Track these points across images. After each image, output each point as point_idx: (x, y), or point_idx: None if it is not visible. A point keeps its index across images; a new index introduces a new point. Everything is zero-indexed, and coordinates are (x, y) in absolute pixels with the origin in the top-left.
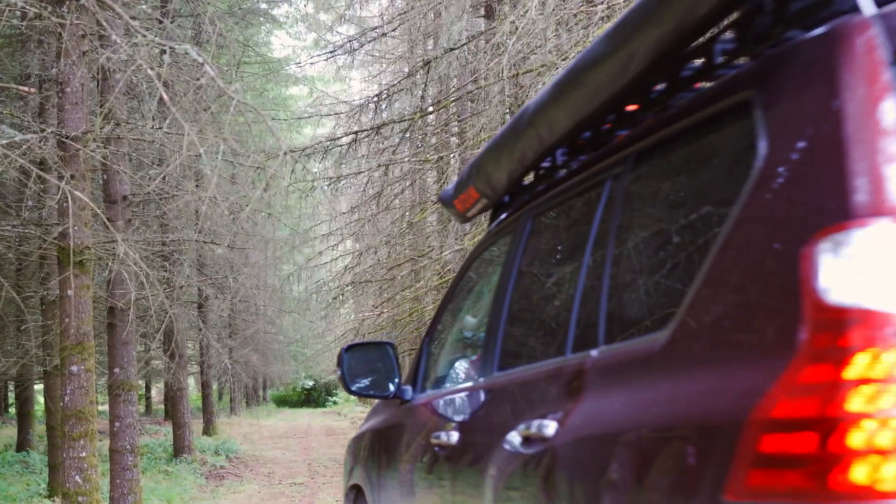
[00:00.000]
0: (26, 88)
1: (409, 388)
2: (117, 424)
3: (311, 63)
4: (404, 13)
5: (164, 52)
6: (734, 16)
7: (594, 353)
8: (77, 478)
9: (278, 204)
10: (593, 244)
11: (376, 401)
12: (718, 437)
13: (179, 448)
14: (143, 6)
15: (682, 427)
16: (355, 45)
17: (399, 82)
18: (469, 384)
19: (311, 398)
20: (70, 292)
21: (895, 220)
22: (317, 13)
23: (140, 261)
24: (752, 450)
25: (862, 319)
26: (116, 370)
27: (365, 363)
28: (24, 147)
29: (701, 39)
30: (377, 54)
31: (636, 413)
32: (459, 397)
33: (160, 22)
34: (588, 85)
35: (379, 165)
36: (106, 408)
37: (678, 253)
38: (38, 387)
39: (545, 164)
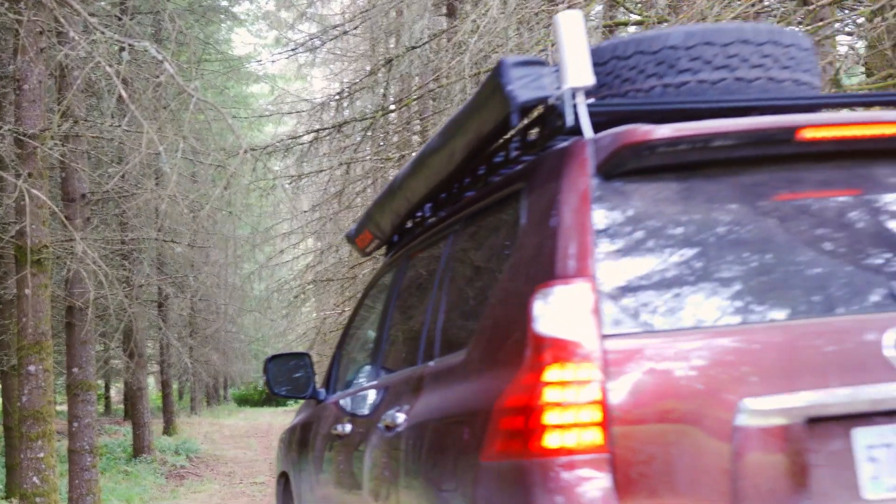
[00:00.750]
0: None
1: (323, 391)
2: (76, 424)
3: (273, 61)
4: (366, 11)
5: (122, 49)
6: (516, 129)
7: (431, 363)
8: (35, 479)
9: (239, 202)
10: (438, 282)
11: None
12: (480, 420)
13: (139, 448)
14: (102, 3)
15: (464, 414)
16: (317, 42)
17: (361, 80)
18: (361, 386)
19: (272, 397)
20: (27, 291)
21: (583, 281)
22: (278, 11)
23: (99, 260)
24: (495, 427)
25: (553, 344)
26: (75, 370)
27: (286, 370)
28: None
29: (501, 140)
30: (339, 52)
31: (444, 406)
32: (354, 397)
33: (119, 19)
34: (431, 167)
35: (340, 164)
36: (64, 408)
37: (481, 294)
38: None
39: (419, 215)
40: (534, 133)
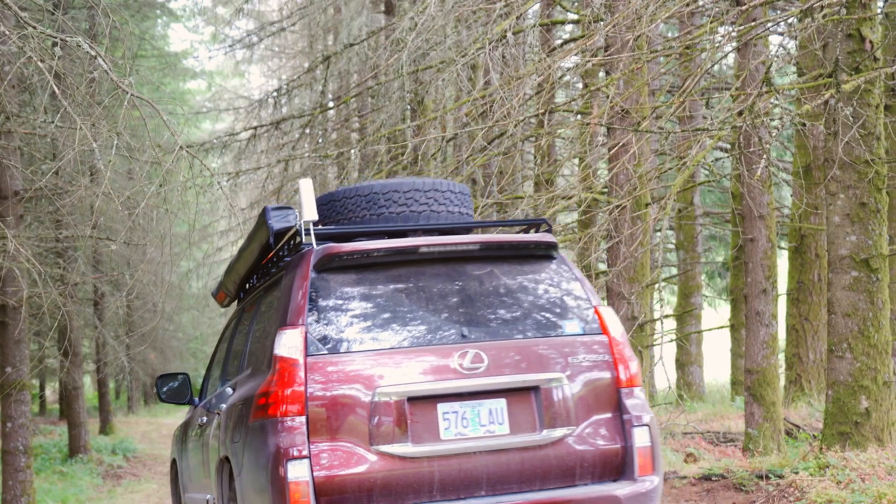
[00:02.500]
0: None
1: (197, 399)
2: (9, 425)
3: (210, 57)
4: (304, 8)
5: (55, 44)
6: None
7: (241, 375)
8: None
9: (175, 200)
10: (250, 326)
11: None
12: (250, 401)
13: (75, 448)
14: None
15: (245, 399)
16: (254, 39)
17: (299, 77)
18: (215, 393)
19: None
20: None
21: (299, 327)
22: (214, 7)
23: (32, 258)
24: (255, 404)
25: (282, 360)
26: (8, 369)
27: (172, 384)
28: None
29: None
30: (277, 49)
31: (239, 396)
32: (211, 399)
33: (52, 13)
34: (245, 257)
35: (279, 161)
36: None
37: (269, 332)
38: None
39: (252, 281)
40: (292, 242)
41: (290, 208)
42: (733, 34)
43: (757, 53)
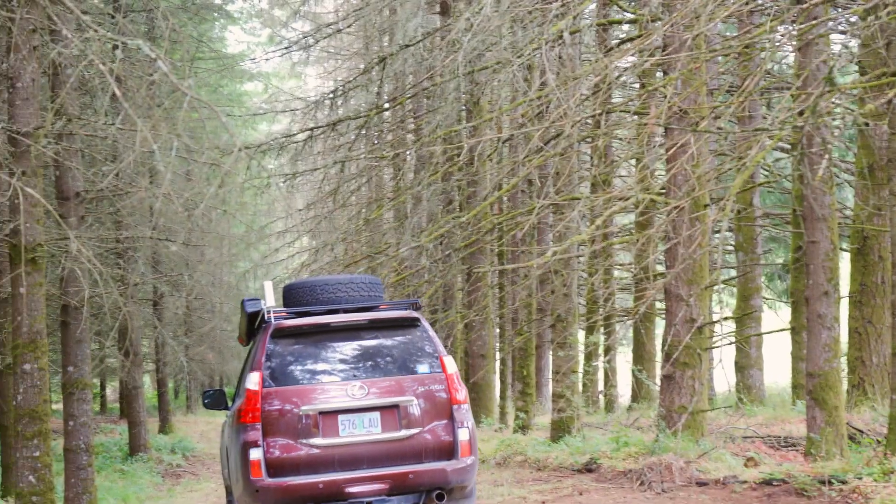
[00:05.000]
0: None
1: (230, 404)
2: (71, 423)
3: (266, 59)
4: (359, 9)
5: (116, 47)
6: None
7: (239, 394)
8: (31, 478)
9: (233, 200)
10: (247, 360)
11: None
12: (236, 413)
13: (135, 447)
14: (95, 0)
15: (235, 412)
16: (310, 41)
17: (355, 79)
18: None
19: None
20: (22, 290)
21: (259, 370)
22: (271, 9)
23: (93, 258)
24: (236, 415)
25: (248, 390)
26: (70, 368)
27: (215, 395)
28: None
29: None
30: (332, 50)
31: (233, 409)
32: (231, 405)
33: (112, 17)
34: (242, 323)
35: (335, 162)
36: (60, 406)
37: (248, 371)
38: None
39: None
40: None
41: (258, 299)
42: (794, 33)
43: (818, 52)
